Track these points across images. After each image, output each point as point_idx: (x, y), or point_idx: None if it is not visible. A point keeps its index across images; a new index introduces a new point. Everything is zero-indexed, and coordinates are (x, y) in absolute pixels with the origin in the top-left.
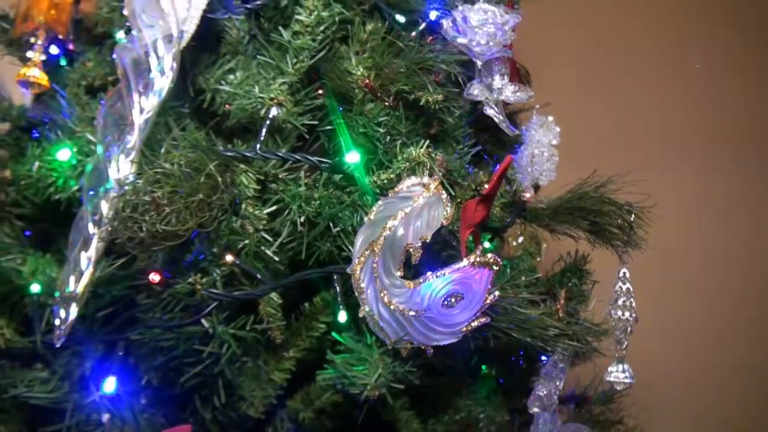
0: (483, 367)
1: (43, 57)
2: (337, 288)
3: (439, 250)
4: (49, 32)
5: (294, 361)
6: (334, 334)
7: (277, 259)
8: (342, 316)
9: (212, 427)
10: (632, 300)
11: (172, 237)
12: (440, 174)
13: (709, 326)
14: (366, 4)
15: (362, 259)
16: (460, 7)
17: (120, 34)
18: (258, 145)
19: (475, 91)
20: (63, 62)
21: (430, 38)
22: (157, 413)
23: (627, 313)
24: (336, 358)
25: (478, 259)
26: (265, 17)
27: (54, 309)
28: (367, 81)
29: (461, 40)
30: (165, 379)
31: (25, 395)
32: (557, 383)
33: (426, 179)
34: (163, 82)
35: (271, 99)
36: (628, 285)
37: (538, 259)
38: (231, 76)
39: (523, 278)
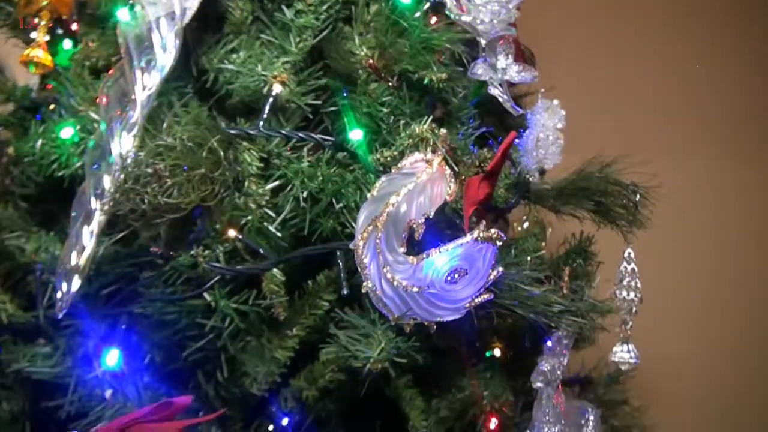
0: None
1: (47, 38)
2: (340, 264)
3: (443, 229)
4: (53, 13)
5: (297, 339)
6: (337, 310)
7: (279, 235)
8: (345, 291)
9: (215, 402)
10: (637, 280)
11: (174, 210)
12: (443, 150)
13: (714, 307)
14: None
15: (365, 234)
16: None
17: (122, 12)
18: (261, 123)
19: (479, 70)
20: (67, 43)
21: (434, 17)
22: (160, 389)
23: (632, 294)
24: (339, 333)
25: (481, 235)
26: None
27: (56, 282)
28: (371, 61)
29: (465, 18)
30: (168, 354)
31: (27, 370)
32: (561, 359)
33: (429, 155)
34: (165, 58)
35: (274, 77)
36: (633, 265)
37: (543, 243)
38: (234, 56)
39: (528, 258)
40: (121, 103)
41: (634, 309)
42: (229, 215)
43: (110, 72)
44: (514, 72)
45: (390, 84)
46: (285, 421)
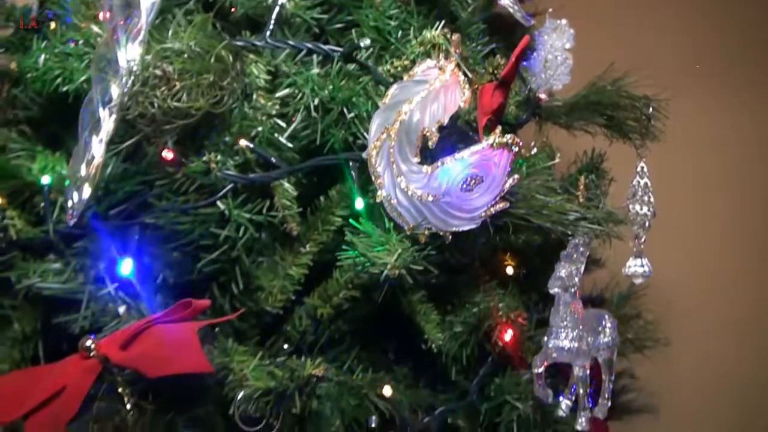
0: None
1: None
2: (353, 175)
3: (456, 142)
4: None
5: (311, 256)
6: (351, 221)
7: (290, 145)
8: (359, 203)
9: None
10: (650, 195)
11: (183, 115)
12: (457, 56)
13: (728, 222)
14: None
15: (377, 143)
16: None
17: None
18: (267, 33)
19: None
20: None
21: None
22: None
23: (645, 208)
24: (355, 240)
25: (497, 140)
26: None
27: (66, 192)
28: None
29: None
30: (182, 267)
31: (38, 285)
32: (578, 266)
33: (442, 62)
34: None
35: None
36: (646, 179)
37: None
38: None
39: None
40: (125, 12)
41: (647, 223)
42: (239, 126)
43: None
44: None
45: None
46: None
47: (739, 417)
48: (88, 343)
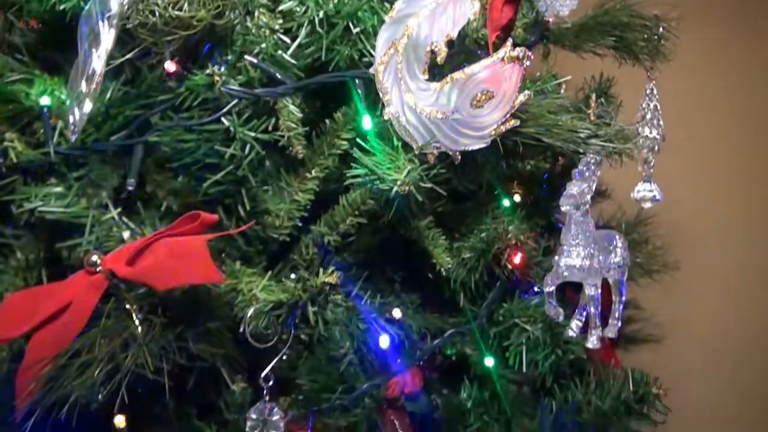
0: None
1: None
2: (360, 93)
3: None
4: None
5: (317, 181)
6: (358, 140)
7: (294, 62)
8: (366, 122)
9: (238, 240)
10: (659, 117)
11: (184, 26)
12: None
13: (738, 151)
14: None
15: (385, 59)
16: None
17: None
18: None
19: None
20: None
21: None
22: None
23: (654, 131)
24: (364, 157)
25: (508, 54)
26: None
27: (67, 110)
28: None
29: None
30: (186, 193)
31: (40, 209)
32: (590, 184)
33: None
34: None
35: None
36: (655, 102)
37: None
38: None
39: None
40: None
41: (656, 147)
42: (242, 43)
43: None
44: None
45: None
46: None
47: (746, 346)
48: (94, 258)
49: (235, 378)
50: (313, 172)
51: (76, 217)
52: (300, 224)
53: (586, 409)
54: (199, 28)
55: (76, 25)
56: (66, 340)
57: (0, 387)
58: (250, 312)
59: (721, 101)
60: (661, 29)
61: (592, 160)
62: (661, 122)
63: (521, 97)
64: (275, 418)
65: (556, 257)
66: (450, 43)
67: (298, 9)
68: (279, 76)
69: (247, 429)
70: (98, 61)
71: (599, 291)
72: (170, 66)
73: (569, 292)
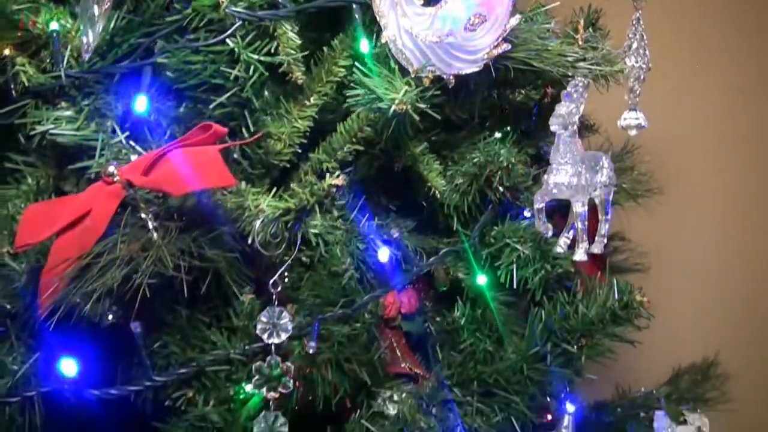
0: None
1: None
2: (358, 17)
3: None
4: None
5: (315, 108)
6: (356, 64)
7: None
8: (364, 45)
9: (242, 161)
10: (646, 47)
11: None
12: None
13: (723, 78)
14: None
15: None
16: None
17: None
18: None
19: None
20: None
21: None
22: None
23: (640, 61)
24: (363, 78)
25: None
26: None
27: (81, 32)
28: None
29: None
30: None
31: (52, 132)
32: (578, 105)
33: None
34: None
35: None
36: (641, 31)
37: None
38: None
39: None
40: None
41: (642, 76)
42: None
43: None
44: None
45: None
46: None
47: (732, 269)
48: (111, 168)
49: (244, 290)
50: (311, 99)
51: (86, 140)
52: (300, 151)
53: (573, 317)
54: None
55: None
56: (87, 244)
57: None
58: (258, 223)
59: (707, 29)
60: None
61: (580, 83)
62: (647, 51)
63: (513, 21)
64: (284, 321)
65: (546, 176)
66: None
67: None
68: (280, 0)
69: (257, 331)
70: None
71: (586, 208)
72: None
73: (557, 219)
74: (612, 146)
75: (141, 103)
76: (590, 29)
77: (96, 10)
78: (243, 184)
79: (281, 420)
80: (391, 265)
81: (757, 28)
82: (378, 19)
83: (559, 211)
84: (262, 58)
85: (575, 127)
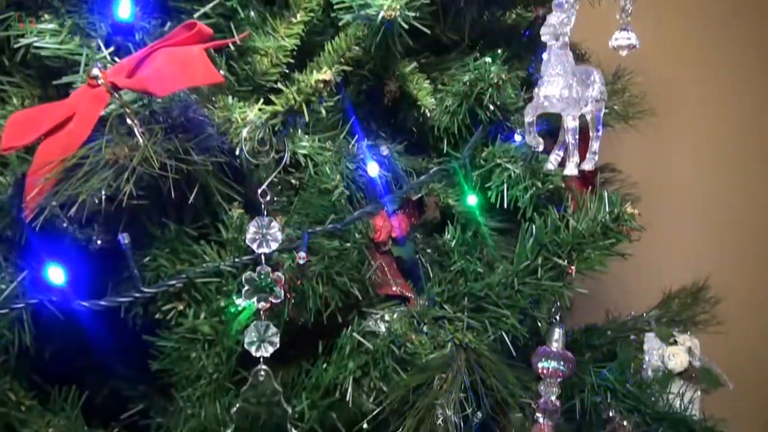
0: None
1: None
2: None
3: None
4: None
5: (302, 26)
6: None
7: None
8: None
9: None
10: None
11: None
12: None
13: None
14: None
15: None
16: None
17: None
18: None
19: None
20: None
21: None
22: None
23: None
24: None
25: None
26: None
27: None
28: None
29: None
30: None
31: (36, 45)
32: (569, 16)
33: None
34: None
35: None
36: None
37: None
38: None
39: None
40: None
41: None
42: None
43: None
44: None
45: None
46: None
47: (723, 192)
48: (95, 71)
49: (232, 205)
50: (298, 16)
51: (70, 54)
52: (287, 71)
53: (563, 230)
54: None
55: None
56: (72, 145)
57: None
58: (245, 132)
59: None
60: None
61: None
62: None
63: None
64: (273, 230)
65: (536, 89)
66: None
67: None
68: None
69: (246, 241)
70: None
71: (577, 122)
72: None
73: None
74: (604, 71)
75: (124, 8)
76: None
77: None
78: (230, 98)
79: (272, 329)
80: (381, 185)
81: None
82: None
83: (550, 136)
84: None
85: (566, 38)
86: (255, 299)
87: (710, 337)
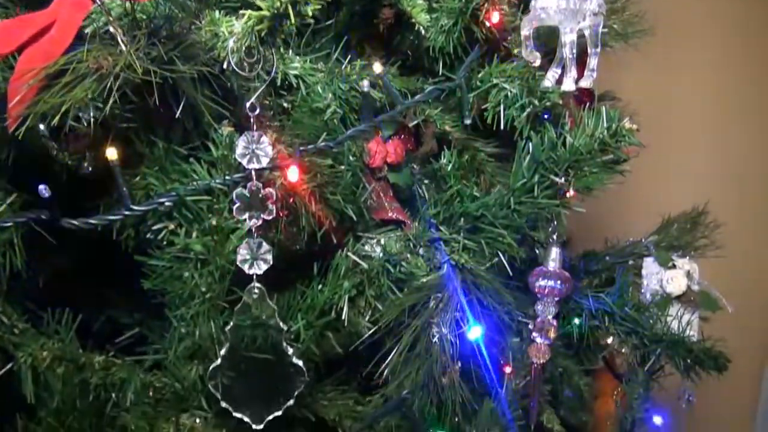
0: None
1: None
2: None
3: None
4: None
5: None
6: None
7: None
8: None
9: None
10: None
11: None
12: None
13: None
14: None
15: None
16: None
17: None
18: None
19: None
20: None
21: None
22: None
23: None
24: None
25: None
26: None
27: None
28: None
29: None
30: None
31: None
32: None
33: None
34: None
35: None
36: None
37: None
38: None
39: None
40: None
41: None
42: None
43: None
44: None
45: None
46: None
47: (724, 115)
48: None
49: (222, 123)
50: None
51: None
52: None
53: (560, 147)
54: None
55: None
56: (54, 52)
57: None
58: (231, 42)
59: None
60: None
61: None
62: None
63: None
64: (264, 144)
65: (533, 0)
66: None
67: None
68: None
69: (236, 156)
70: None
71: (575, 36)
72: None
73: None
74: None
75: None
76: None
77: None
78: (217, 12)
79: (265, 247)
80: (377, 109)
81: None
82: None
83: (546, 56)
84: None
85: None
86: (246, 216)
87: (709, 261)
